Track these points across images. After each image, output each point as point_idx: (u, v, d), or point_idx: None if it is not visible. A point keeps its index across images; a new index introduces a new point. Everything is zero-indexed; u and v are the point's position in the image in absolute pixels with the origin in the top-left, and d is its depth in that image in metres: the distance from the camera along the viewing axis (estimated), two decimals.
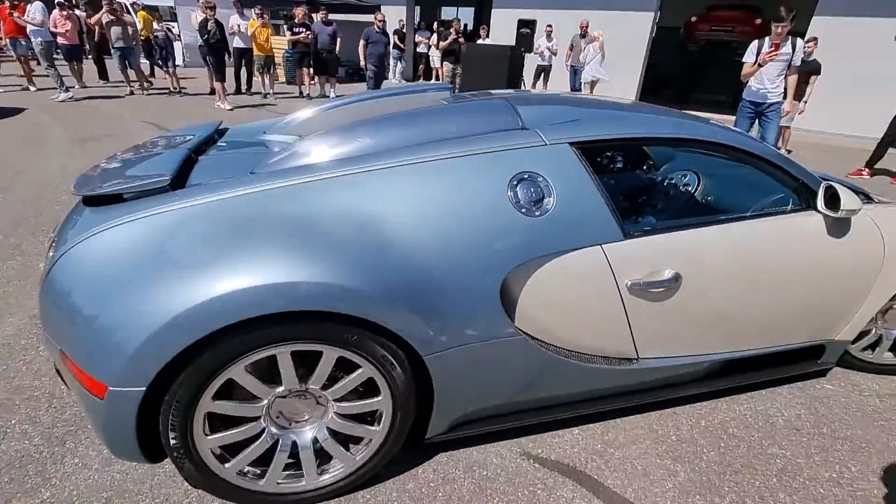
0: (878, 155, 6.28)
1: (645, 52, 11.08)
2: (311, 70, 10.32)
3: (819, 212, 1.80)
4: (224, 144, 2.04)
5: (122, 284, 1.19)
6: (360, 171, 1.39)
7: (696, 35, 12.87)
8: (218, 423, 1.34)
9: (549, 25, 10.32)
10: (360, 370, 1.35)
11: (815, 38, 6.90)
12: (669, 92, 14.05)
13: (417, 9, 15.37)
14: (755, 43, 5.05)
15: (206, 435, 1.31)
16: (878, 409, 2.07)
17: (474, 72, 10.37)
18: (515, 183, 1.44)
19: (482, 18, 20.69)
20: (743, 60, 5.10)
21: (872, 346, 2.25)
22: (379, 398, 1.41)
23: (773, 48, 4.82)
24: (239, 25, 8.96)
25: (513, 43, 10.27)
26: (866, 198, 2.16)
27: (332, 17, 10.25)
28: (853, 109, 8.59)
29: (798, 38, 5.01)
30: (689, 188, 2.44)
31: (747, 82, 5.09)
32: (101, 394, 1.19)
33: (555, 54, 10.35)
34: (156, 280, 1.18)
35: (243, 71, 9.86)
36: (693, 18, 12.69)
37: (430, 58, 13.13)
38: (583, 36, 9.36)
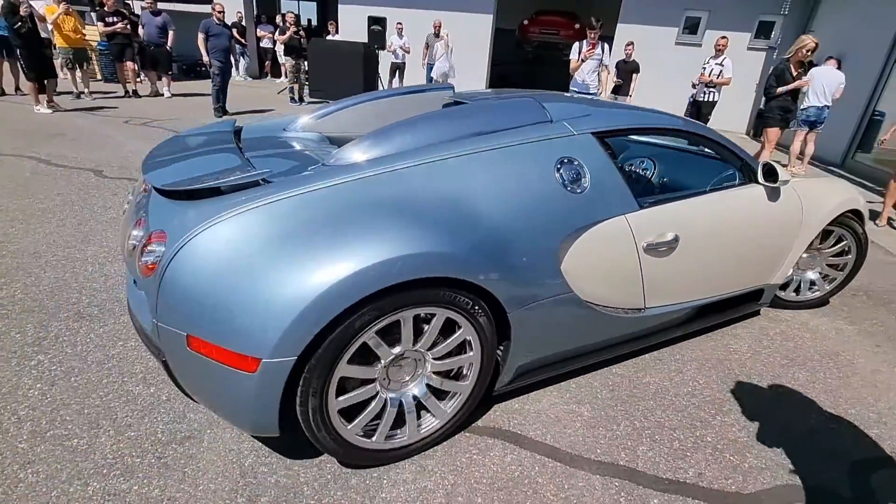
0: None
1: (489, 51, 11.96)
2: (137, 65, 9.05)
3: (760, 184, 2.30)
4: (251, 143, 2.13)
5: (261, 266, 1.30)
6: (440, 158, 1.61)
7: (528, 37, 14.30)
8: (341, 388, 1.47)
9: (400, 23, 10.53)
10: (460, 330, 1.57)
11: (632, 42, 8.18)
12: (512, 88, 15.36)
13: (255, 0, 14.36)
14: (577, 44, 6.82)
15: (336, 398, 1.44)
16: (712, 337, 2.63)
17: (325, 69, 10.13)
18: (559, 166, 1.75)
19: (328, 14, 20.18)
20: (570, 58, 6.83)
21: (792, 288, 2.93)
22: (470, 354, 1.64)
23: (590, 48, 6.61)
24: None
25: (365, 40, 10.26)
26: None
27: (160, 6, 9.08)
28: (664, 100, 10.40)
29: (605, 43, 6.72)
30: (648, 172, 3.00)
31: (573, 76, 6.85)
32: (252, 368, 1.27)
33: (407, 52, 10.60)
34: (298, 258, 1.30)
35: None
36: (525, 22, 14.06)
37: (277, 53, 12.44)
38: (437, 35, 9.74)
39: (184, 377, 1.46)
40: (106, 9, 8.63)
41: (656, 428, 1.92)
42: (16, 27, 6.61)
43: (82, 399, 1.83)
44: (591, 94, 6.69)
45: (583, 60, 6.65)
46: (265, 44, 13.45)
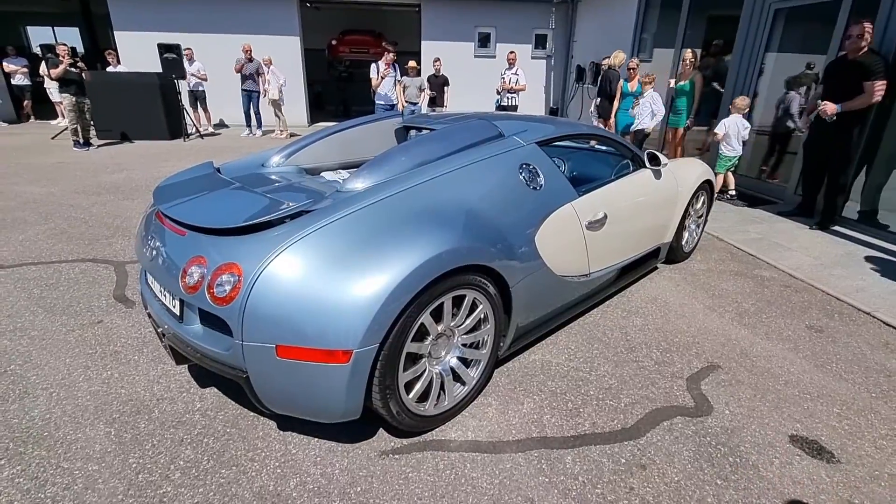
0: None
1: (302, 71, 11.73)
2: None
3: (648, 168, 3.13)
4: (245, 179, 2.36)
5: (333, 277, 1.58)
6: (441, 174, 2.04)
7: (339, 55, 14.40)
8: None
9: (188, 49, 9.72)
10: (480, 307, 1.98)
11: (439, 58, 8.85)
12: (331, 107, 15.30)
13: None
14: (373, 65, 8.48)
15: (403, 373, 1.76)
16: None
17: (113, 105, 8.87)
18: (521, 170, 2.28)
19: (98, 42, 17.38)
20: (371, 77, 8.46)
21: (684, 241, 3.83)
22: (488, 327, 2.05)
23: (386, 67, 8.25)
24: None
25: (158, 69, 9.17)
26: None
27: None
28: (473, 107, 11.44)
29: (397, 64, 8.38)
30: (561, 168, 3.69)
31: (377, 91, 8.38)
32: (346, 359, 1.55)
33: (204, 79, 9.86)
34: (362, 266, 1.61)
35: None
36: (333, 42, 14.12)
37: (48, 91, 10.35)
38: (250, 59, 9.23)
39: (270, 386, 1.66)
40: None
41: (552, 396, 2.21)
42: None
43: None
44: (392, 104, 8.46)
45: (382, 78, 8.28)
46: (18, 80, 11.06)
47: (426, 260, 1.66)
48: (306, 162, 2.78)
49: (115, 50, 10.71)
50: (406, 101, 8.87)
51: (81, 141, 8.12)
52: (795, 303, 3.23)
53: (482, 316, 2.01)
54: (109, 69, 10.09)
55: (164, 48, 9.05)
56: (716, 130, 5.60)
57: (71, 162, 7.19)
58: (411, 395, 1.84)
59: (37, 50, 16.27)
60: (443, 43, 11.84)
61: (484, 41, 12.23)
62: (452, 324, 1.92)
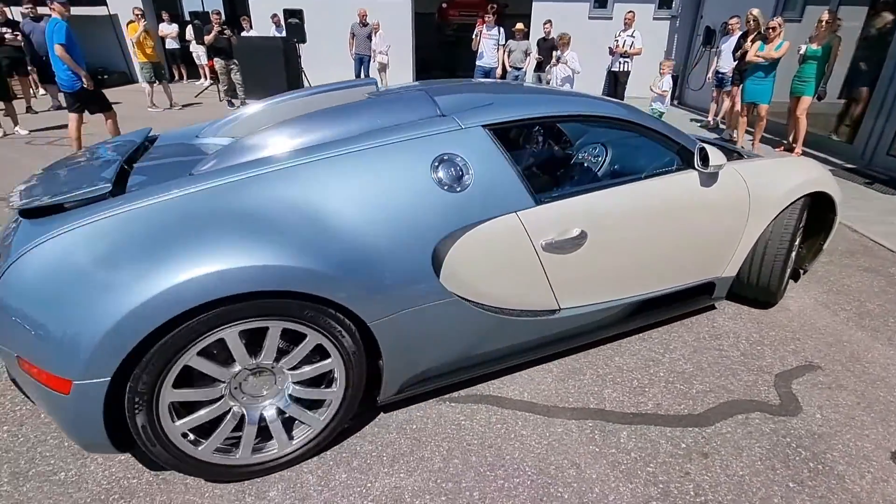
0: None
1: (411, 36, 11.92)
2: (35, 77, 8.25)
3: (696, 169, 2.12)
4: (156, 151, 2.09)
5: (77, 284, 1.27)
6: (293, 164, 1.54)
7: (448, 20, 14.36)
8: (186, 408, 1.47)
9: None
10: (306, 339, 1.49)
11: (549, 21, 8.46)
12: (437, 72, 15.41)
13: None
14: (478, 29, 8.34)
15: (174, 421, 1.42)
16: None
17: (251, 67, 9.72)
18: (437, 164, 1.65)
19: (236, 9, 19.11)
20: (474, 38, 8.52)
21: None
22: (329, 360, 1.55)
23: (480, 24, 8.24)
24: None
25: (283, 34, 9.90)
26: (738, 155, 2.68)
27: (41, 10, 8.25)
28: (584, 72, 10.85)
29: (500, 26, 8.13)
30: (599, 159, 2.60)
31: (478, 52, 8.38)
32: (65, 389, 1.27)
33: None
34: (111, 277, 1.27)
35: None
36: (443, 5, 14.10)
37: (194, 55, 11.71)
38: (363, 24, 9.64)
39: (30, 395, 1.48)
40: None
41: (617, 372, 2.15)
42: None
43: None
44: (487, 69, 8.33)
45: (477, 39, 8.25)
46: (170, 45, 12.62)
47: (182, 282, 1.26)
48: (247, 132, 2.07)
49: (249, 16, 11.73)
50: (510, 66, 8.66)
51: (233, 102, 9.22)
52: None
53: (324, 350, 1.54)
54: (243, 34, 11.11)
55: (288, 13, 9.71)
56: None
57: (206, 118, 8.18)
58: (205, 446, 1.49)
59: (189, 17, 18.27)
60: (555, 4, 11.23)
61: (602, 1, 11.37)
62: (262, 360, 1.48)
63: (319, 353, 1.55)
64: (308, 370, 1.56)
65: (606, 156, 2.60)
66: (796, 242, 2.54)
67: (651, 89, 6.67)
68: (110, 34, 12.20)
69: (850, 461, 1.71)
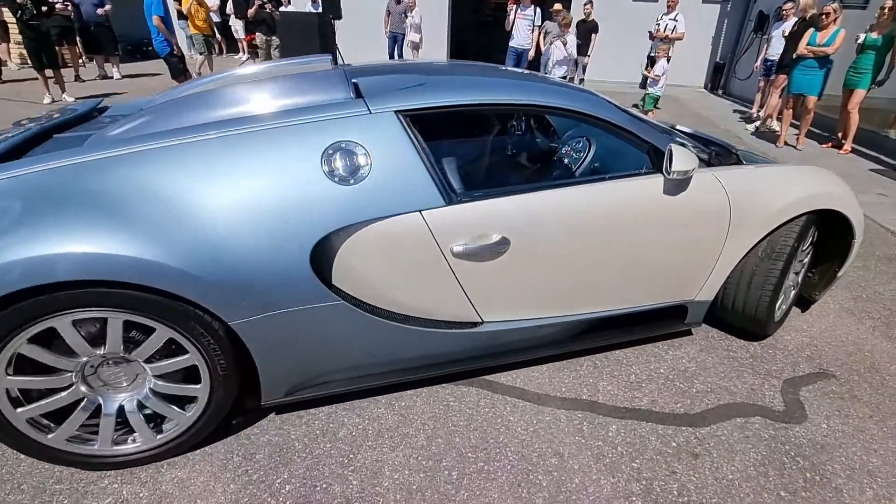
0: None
1: (447, 15, 11.74)
2: (80, 48, 8.58)
3: (662, 174, 1.78)
4: (88, 123, 1.99)
5: None
6: (158, 146, 1.41)
7: (488, 1, 14.04)
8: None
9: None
10: (155, 333, 1.39)
11: (590, 1, 8.15)
12: (474, 55, 15.15)
13: None
14: (511, 7, 8.11)
15: (15, 407, 1.38)
16: None
17: (290, 42, 9.80)
18: (331, 152, 1.47)
19: None
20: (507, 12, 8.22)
21: None
22: (187, 356, 1.44)
23: (511, 4, 8.02)
24: None
25: (319, 10, 9.91)
26: (737, 159, 2.24)
27: None
28: (624, 58, 10.45)
29: (537, 6, 7.81)
30: (550, 157, 2.34)
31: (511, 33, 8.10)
32: None
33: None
34: None
35: None
36: None
37: (233, 28, 11.90)
38: (398, 2, 9.54)
39: None
40: None
41: (615, 365, 2.11)
42: (18, 17, 6.27)
43: None
44: (519, 52, 7.97)
45: (511, 19, 7.91)
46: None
47: (15, 261, 1.20)
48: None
49: None
50: (545, 48, 8.43)
51: None
52: None
53: (187, 354, 1.45)
54: (282, 9, 11.20)
55: None
56: None
57: None
58: (59, 432, 1.45)
59: None
60: None
61: None
62: (107, 351, 1.40)
63: (179, 348, 1.45)
64: (165, 365, 1.46)
65: (558, 154, 2.31)
66: (799, 267, 2.28)
67: (643, 73, 6.44)
68: None
69: (852, 475, 1.63)
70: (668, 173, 1.74)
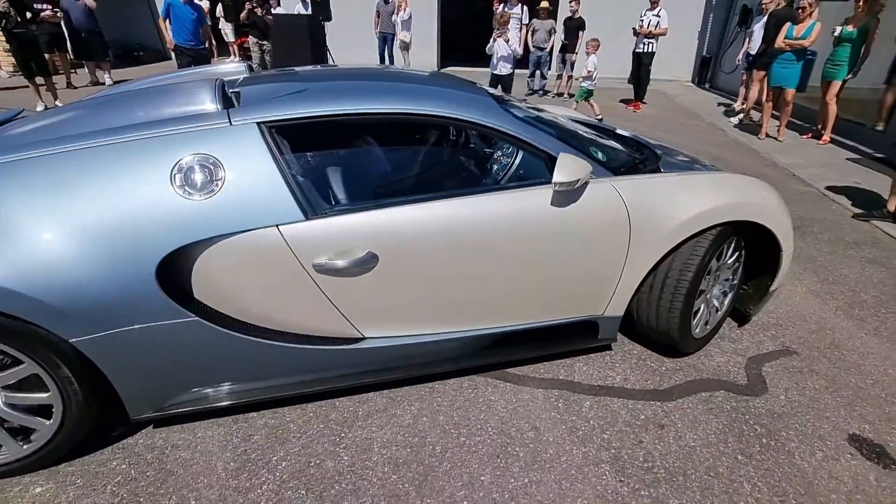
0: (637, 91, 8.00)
1: (436, 12, 11.84)
2: (70, 56, 8.64)
3: (552, 184, 1.67)
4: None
5: None
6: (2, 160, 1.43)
7: None
8: None
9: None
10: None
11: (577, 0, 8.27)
12: (462, 50, 15.25)
13: None
14: (497, 7, 8.29)
15: None
16: None
17: (282, 45, 9.88)
18: (182, 166, 1.46)
19: None
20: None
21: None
22: (24, 366, 1.42)
23: (497, 3, 8.27)
24: None
25: (309, 12, 9.99)
26: (654, 166, 2.12)
27: None
28: (611, 54, 10.59)
29: (523, 4, 7.90)
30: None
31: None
32: None
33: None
34: None
35: None
36: None
37: (223, 32, 11.95)
38: (386, 1, 9.64)
39: None
40: None
41: (592, 348, 2.24)
42: (3, 25, 6.27)
43: None
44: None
45: (502, 22, 7.01)
46: None
47: None
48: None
49: None
50: (533, 46, 8.56)
51: None
52: None
53: (22, 364, 1.42)
54: (274, 11, 11.28)
55: None
56: None
57: None
58: None
59: None
60: None
61: None
62: None
63: (14, 360, 1.41)
64: (5, 375, 1.43)
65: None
66: (726, 282, 2.19)
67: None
68: (146, 14, 12.56)
69: (804, 440, 1.77)
70: (553, 184, 1.67)
